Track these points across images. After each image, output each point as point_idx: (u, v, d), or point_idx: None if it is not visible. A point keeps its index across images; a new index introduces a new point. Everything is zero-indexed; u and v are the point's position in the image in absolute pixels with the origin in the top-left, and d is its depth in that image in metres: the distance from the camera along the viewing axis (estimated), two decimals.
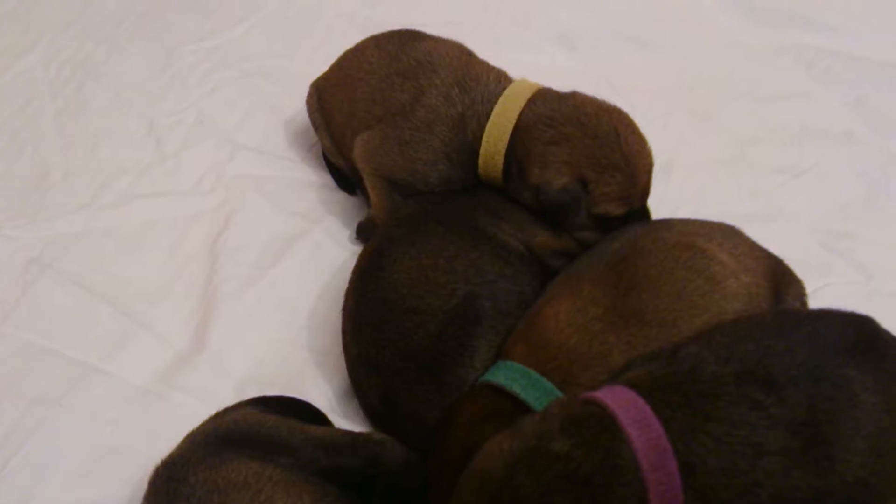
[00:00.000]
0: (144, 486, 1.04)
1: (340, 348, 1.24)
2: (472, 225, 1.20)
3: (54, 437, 1.18)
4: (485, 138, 1.23)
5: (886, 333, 0.93)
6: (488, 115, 1.23)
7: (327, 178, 1.52)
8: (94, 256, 1.41)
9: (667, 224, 1.18)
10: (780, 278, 1.12)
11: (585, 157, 1.18)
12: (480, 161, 1.25)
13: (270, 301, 1.34)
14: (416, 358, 1.11)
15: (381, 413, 1.15)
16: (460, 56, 1.32)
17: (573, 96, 1.24)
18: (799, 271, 1.18)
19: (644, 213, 1.26)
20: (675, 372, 0.89)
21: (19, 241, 1.43)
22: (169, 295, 1.36)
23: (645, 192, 1.24)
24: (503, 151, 1.22)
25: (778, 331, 0.93)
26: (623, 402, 0.85)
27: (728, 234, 1.14)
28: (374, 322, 1.15)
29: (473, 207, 1.23)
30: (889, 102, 1.64)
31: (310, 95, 1.47)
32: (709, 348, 0.91)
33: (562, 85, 1.32)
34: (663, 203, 1.37)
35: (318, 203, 1.49)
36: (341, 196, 1.50)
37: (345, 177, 1.49)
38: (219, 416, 1.10)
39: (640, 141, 1.22)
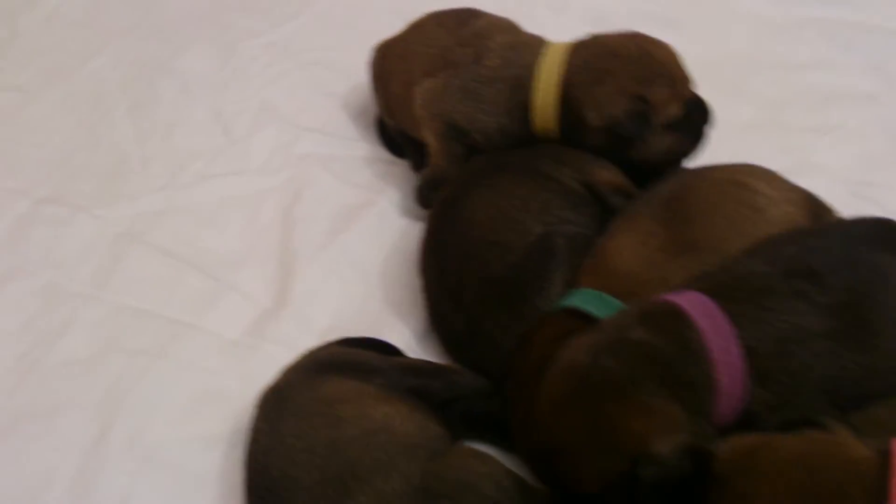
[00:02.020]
0: (243, 422, 1.15)
1: (412, 299, 1.35)
2: (537, 170, 1.30)
3: (158, 383, 1.29)
4: (535, 95, 1.35)
5: None
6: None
7: (387, 154, 1.64)
8: (177, 230, 1.52)
9: (711, 167, 1.29)
10: (815, 209, 1.23)
11: (631, 80, 1.31)
12: (536, 117, 1.36)
13: (344, 262, 1.45)
14: (497, 287, 1.21)
15: (464, 340, 1.24)
16: (512, 27, 1.45)
17: (595, 39, 1.37)
18: None
19: (698, 101, 1.39)
20: (733, 276, 1.00)
21: (107, 220, 1.54)
22: (250, 260, 1.47)
23: (686, 81, 1.36)
24: (555, 105, 1.34)
25: (815, 233, 1.06)
26: (691, 300, 0.96)
27: (766, 172, 1.25)
28: (457, 256, 1.25)
29: (536, 156, 1.34)
30: None
31: (373, 60, 1.59)
32: (756, 256, 1.02)
33: None
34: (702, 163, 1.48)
35: (379, 176, 1.60)
36: (401, 169, 1.61)
37: (394, 140, 1.61)
38: (312, 351, 1.20)
39: (662, 45, 1.37)
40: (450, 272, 1.26)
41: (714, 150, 1.60)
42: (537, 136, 1.39)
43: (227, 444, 1.20)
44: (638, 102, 1.30)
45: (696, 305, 0.95)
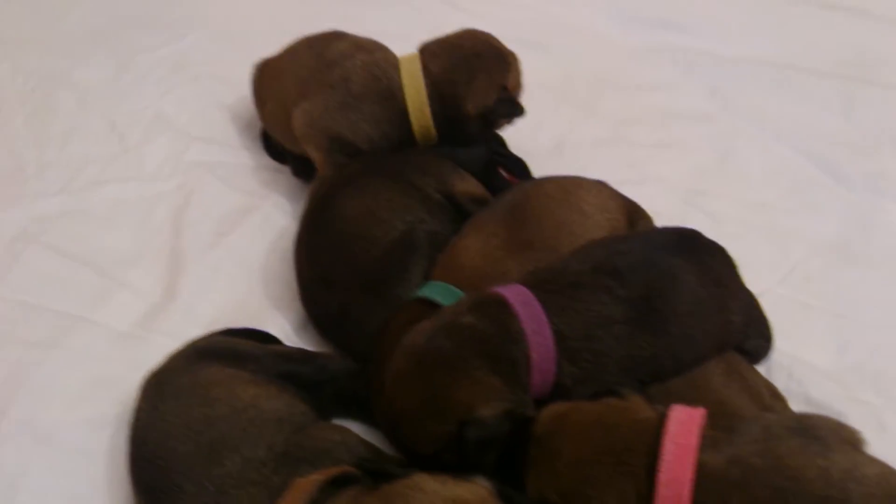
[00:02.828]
0: (130, 405, 1.27)
1: (291, 294, 1.49)
2: (404, 178, 1.48)
3: (52, 372, 1.41)
4: (408, 102, 1.54)
5: (706, 238, 1.26)
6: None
7: (272, 162, 1.79)
8: (72, 231, 1.64)
9: (549, 179, 1.49)
10: (633, 215, 1.44)
11: (494, 74, 1.56)
12: (414, 121, 1.55)
13: (229, 261, 1.59)
14: (363, 277, 1.38)
15: (335, 323, 1.40)
16: (372, 44, 1.63)
17: (446, 41, 1.59)
18: (665, 221, 1.46)
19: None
20: (550, 271, 1.19)
21: (4, 222, 1.65)
22: (141, 260, 1.60)
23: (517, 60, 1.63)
24: (427, 105, 1.54)
25: (622, 239, 1.26)
26: (514, 291, 1.15)
27: (594, 184, 1.45)
28: (329, 248, 1.42)
29: (404, 165, 1.51)
30: (738, 90, 1.96)
31: (253, 77, 1.75)
32: (573, 256, 1.22)
33: None
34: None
35: (265, 183, 1.75)
36: (284, 176, 1.75)
37: (277, 149, 1.77)
38: (193, 341, 1.34)
39: (496, 38, 1.62)
40: (322, 263, 1.42)
41: (568, 164, 1.79)
42: (417, 138, 1.58)
43: (115, 426, 1.32)
44: (504, 91, 1.56)
45: (517, 295, 1.14)
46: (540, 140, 1.83)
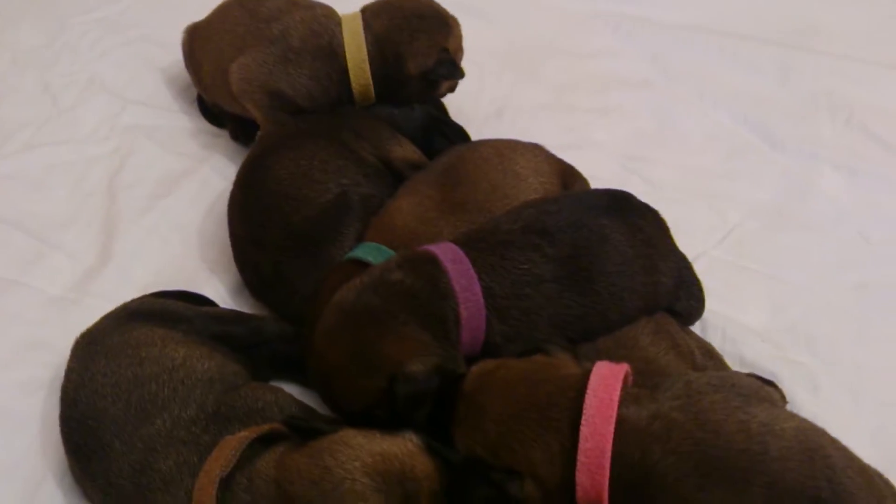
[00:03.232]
0: (62, 369, 1.27)
1: (228, 258, 1.48)
2: (339, 140, 1.47)
3: None
4: (348, 59, 1.53)
5: (637, 200, 1.28)
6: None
7: (210, 126, 1.77)
8: (4, 195, 1.62)
9: (482, 142, 1.50)
10: (568, 178, 1.45)
11: (436, 35, 1.57)
12: (353, 78, 1.55)
13: (165, 224, 1.58)
14: (296, 237, 1.37)
15: (268, 282, 1.40)
16: (308, 0, 1.62)
17: (389, 2, 1.58)
18: (603, 185, 1.45)
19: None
20: (481, 230, 1.20)
21: None
22: (75, 223, 1.58)
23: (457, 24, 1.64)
24: (367, 63, 1.54)
25: (553, 200, 1.26)
26: (444, 249, 1.16)
27: (529, 148, 1.46)
28: (261, 208, 1.41)
29: (340, 128, 1.50)
30: (678, 57, 1.99)
31: (183, 42, 1.73)
32: (505, 216, 1.22)
33: None
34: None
35: (202, 146, 1.74)
36: (223, 140, 1.75)
37: (214, 113, 1.76)
38: (125, 303, 1.32)
39: (434, 2, 1.63)
40: (254, 222, 1.41)
41: (508, 128, 1.80)
42: (355, 97, 1.58)
43: (48, 389, 1.32)
44: (444, 53, 1.56)
45: (447, 253, 1.15)
46: (481, 105, 1.84)
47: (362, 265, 1.27)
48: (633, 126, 1.84)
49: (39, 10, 2.02)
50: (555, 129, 1.80)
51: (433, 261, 1.13)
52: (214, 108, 1.73)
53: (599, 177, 1.51)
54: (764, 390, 1.07)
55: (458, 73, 1.60)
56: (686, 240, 1.33)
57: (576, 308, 1.15)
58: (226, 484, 0.99)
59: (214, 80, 1.64)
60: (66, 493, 1.20)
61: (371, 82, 1.56)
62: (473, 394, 1.04)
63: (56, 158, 1.68)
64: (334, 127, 1.51)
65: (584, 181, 1.47)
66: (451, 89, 1.66)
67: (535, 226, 1.18)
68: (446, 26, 1.59)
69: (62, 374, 1.24)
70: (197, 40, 1.70)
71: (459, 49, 1.63)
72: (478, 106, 1.83)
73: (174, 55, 1.84)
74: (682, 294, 1.29)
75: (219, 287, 1.48)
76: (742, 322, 1.42)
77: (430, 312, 1.11)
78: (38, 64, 1.88)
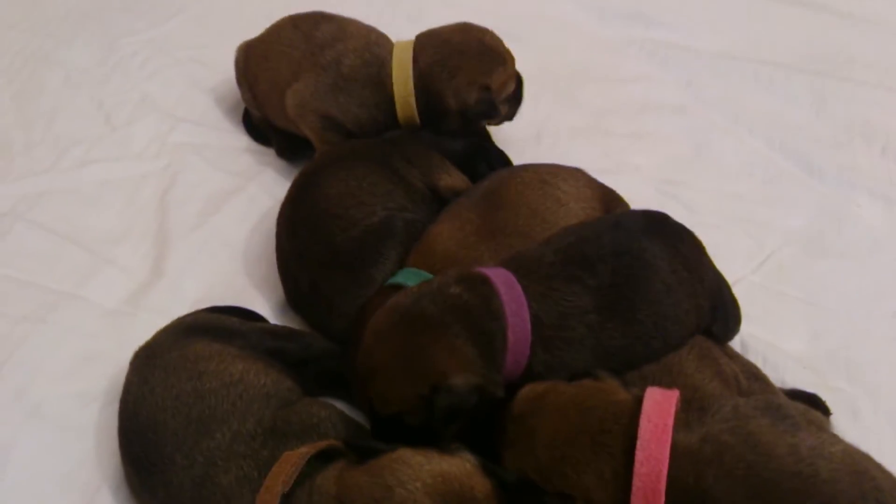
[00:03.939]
0: (119, 381, 1.31)
1: (275, 275, 1.51)
2: (390, 165, 1.51)
3: (41, 347, 1.44)
4: (395, 90, 1.57)
5: (675, 222, 1.29)
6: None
7: (258, 145, 1.82)
8: (59, 210, 1.66)
9: (524, 167, 1.53)
10: (610, 203, 1.47)
11: (477, 73, 1.59)
12: (399, 109, 1.59)
13: (215, 241, 1.62)
14: (337, 255, 1.41)
15: (306, 297, 1.44)
16: (364, 27, 1.67)
17: (434, 36, 1.62)
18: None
19: (520, 75, 1.70)
20: (528, 259, 1.22)
21: None
22: (127, 238, 1.62)
23: (512, 60, 1.65)
24: (413, 96, 1.57)
25: (590, 226, 1.28)
26: (497, 272, 1.18)
27: (571, 172, 1.49)
28: (307, 223, 1.45)
29: (392, 153, 1.54)
30: (712, 84, 2.01)
31: (237, 59, 1.77)
32: (547, 245, 1.24)
33: None
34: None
35: (250, 164, 1.78)
36: (270, 158, 1.79)
37: (259, 130, 1.80)
38: (181, 317, 1.36)
39: (489, 32, 1.65)
40: (300, 237, 1.45)
41: (547, 152, 1.84)
42: (401, 125, 1.61)
43: (103, 401, 1.36)
44: (485, 91, 1.58)
45: (499, 276, 1.17)
46: (520, 128, 1.86)
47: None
48: (670, 151, 1.86)
49: (91, 32, 2.09)
50: (592, 153, 1.83)
51: (487, 282, 1.16)
52: (262, 123, 1.78)
53: (636, 201, 1.54)
54: (811, 413, 1.09)
55: (496, 112, 1.62)
56: (724, 265, 1.35)
57: (619, 338, 1.17)
58: (286, 500, 1.01)
59: (269, 98, 1.70)
60: None
61: (416, 114, 1.60)
62: (524, 417, 1.06)
63: (109, 174, 1.74)
64: (386, 152, 1.55)
65: (626, 206, 1.49)
66: (509, 118, 1.69)
67: (576, 256, 1.19)
68: (491, 63, 1.60)
69: (118, 386, 1.29)
70: (252, 58, 1.74)
71: (506, 86, 1.63)
72: (516, 129, 1.86)
73: (221, 75, 1.91)
74: (719, 315, 1.29)
75: (265, 303, 1.52)
76: (782, 348, 1.44)
77: (482, 331, 1.13)
78: (90, 83, 1.94)
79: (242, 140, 1.83)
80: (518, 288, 1.16)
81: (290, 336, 1.37)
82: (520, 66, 2.05)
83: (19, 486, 1.27)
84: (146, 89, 1.93)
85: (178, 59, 2.01)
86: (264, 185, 1.73)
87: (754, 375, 1.28)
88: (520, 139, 1.85)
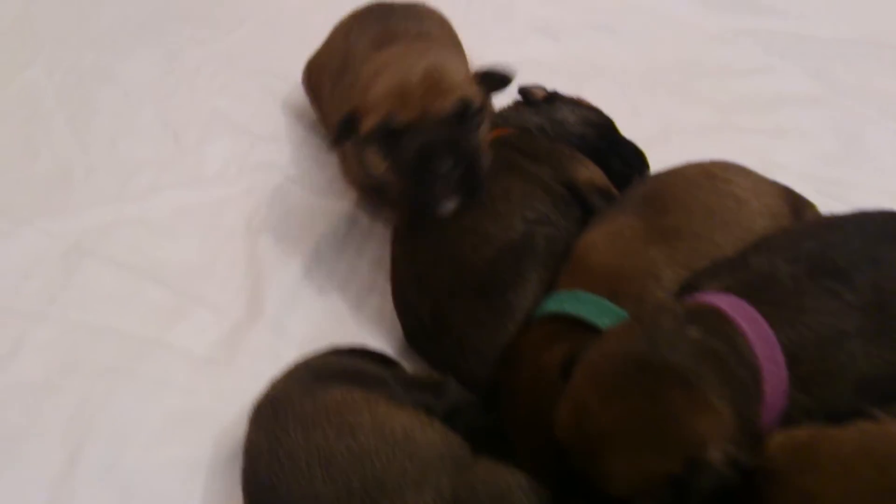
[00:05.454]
0: (223, 444, 1.08)
1: (391, 307, 1.28)
2: (516, 165, 1.26)
3: (126, 405, 1.19)
4: None
5: None
6: None
7: None
8: (131, 242, 1.42)
9: (683, 165, 1.27)
10: (795, 202, 1.23)
11: None
12: None
13: (318, 269, 1.38)
14: (470, 278, 1.15)
15: (428, 332, 1.18)
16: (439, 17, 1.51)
17: None
18: None
19: None
20: (758, 277, 0.97)
21: (53, 233, 1.43)
22: (214, 272, 1.38)
23: None
24: None
25: (829, 227, 1.03)
26: (730, 303, 0.93)
27: (740, 167, 1.25)
28: (430, 243, 1.19)
29: (510, 154, 1.28)
30: (846, 72, 1.80)
31: (303, 78, 1.62)
32: (775, 253, 0.99)
33: (549, 70, 1.54)
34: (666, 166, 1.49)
35: (339, 180, 1.54)
36: None
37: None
38: (304, 360, 1.12)
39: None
40: (420, 260, 1.20)
41: (679, 150, 1.59)
42: None
43: (207, 469, 1.11)
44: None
45: (736, 309, 0.92)
46: (642, 126, 1.62)
47: (566, 321, 1.07)
48: (816, 147, 1.63)
49: (148, 43, 1.86)
50: (730, 150, 1.55)
51: (725, 319, 0.91)
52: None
53: None
54: None
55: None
56: None
57: (885, 366, 0.92)
58: None
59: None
60: None
61: None
62: (792, 475, 0.81)
63: (184, 201, 1.49)
64: (504, 155, 1.28)
65: (813, 206, 1.26)
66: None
67: (824, 265, 0.95)
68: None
69: (227, 450, 1.07)
70: (314, 72, 1.59)
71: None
72: (637, 127, 1.62)
73: (295, 87, 1.69)
74: None
75: (385, 344, 1.27)
76: None
77: (737, 383, 0.87)
78: (153, 98, 1.71)
79: (331, 156, 1.59)
80: (762, 321, 0.91)
81: (433, 386, 1.11)
82: (619, 61, 1.86)
83: None
84: (216, 105, 1.70)
85: (247, 70, 1.79)
86: (362, 203, 1.49)
87: None
88: (644, 137, 1.57)
